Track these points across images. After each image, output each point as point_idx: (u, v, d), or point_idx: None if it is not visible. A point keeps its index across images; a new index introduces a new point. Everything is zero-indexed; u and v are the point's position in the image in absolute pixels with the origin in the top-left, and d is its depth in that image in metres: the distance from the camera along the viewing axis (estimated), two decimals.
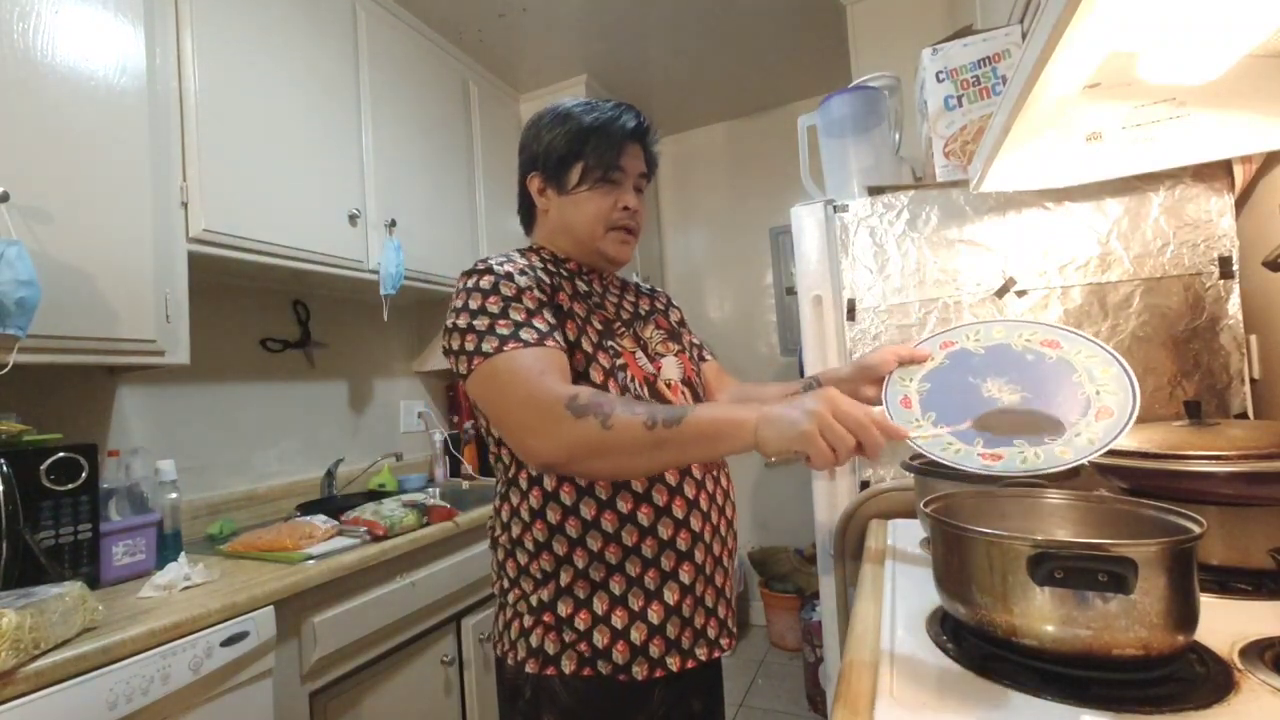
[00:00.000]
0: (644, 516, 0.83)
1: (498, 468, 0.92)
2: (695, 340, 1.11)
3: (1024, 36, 1.23)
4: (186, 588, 1.15)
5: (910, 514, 1.09)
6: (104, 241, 1.22)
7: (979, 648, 0.58)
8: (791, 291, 2.83)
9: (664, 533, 0.83)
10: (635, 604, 0.82)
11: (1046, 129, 0.83)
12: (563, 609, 0.83)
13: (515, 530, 0.87)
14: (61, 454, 1.12)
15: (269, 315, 1.90)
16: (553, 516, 0.84)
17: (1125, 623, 0.49)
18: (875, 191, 1.33)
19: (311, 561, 1.29)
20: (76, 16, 1.21)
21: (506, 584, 0.89)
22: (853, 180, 1.52)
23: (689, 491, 0.86)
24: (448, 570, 1.59)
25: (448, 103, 2.24)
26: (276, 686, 1.18)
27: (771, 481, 3.06)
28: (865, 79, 1.65)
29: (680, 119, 3.17)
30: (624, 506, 0.83)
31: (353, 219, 1.77)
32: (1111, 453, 0.77)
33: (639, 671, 0.81)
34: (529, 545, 0.86)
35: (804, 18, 2.33)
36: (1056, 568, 0.50)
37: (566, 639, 0.82)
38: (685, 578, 0.84)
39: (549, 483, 0.85)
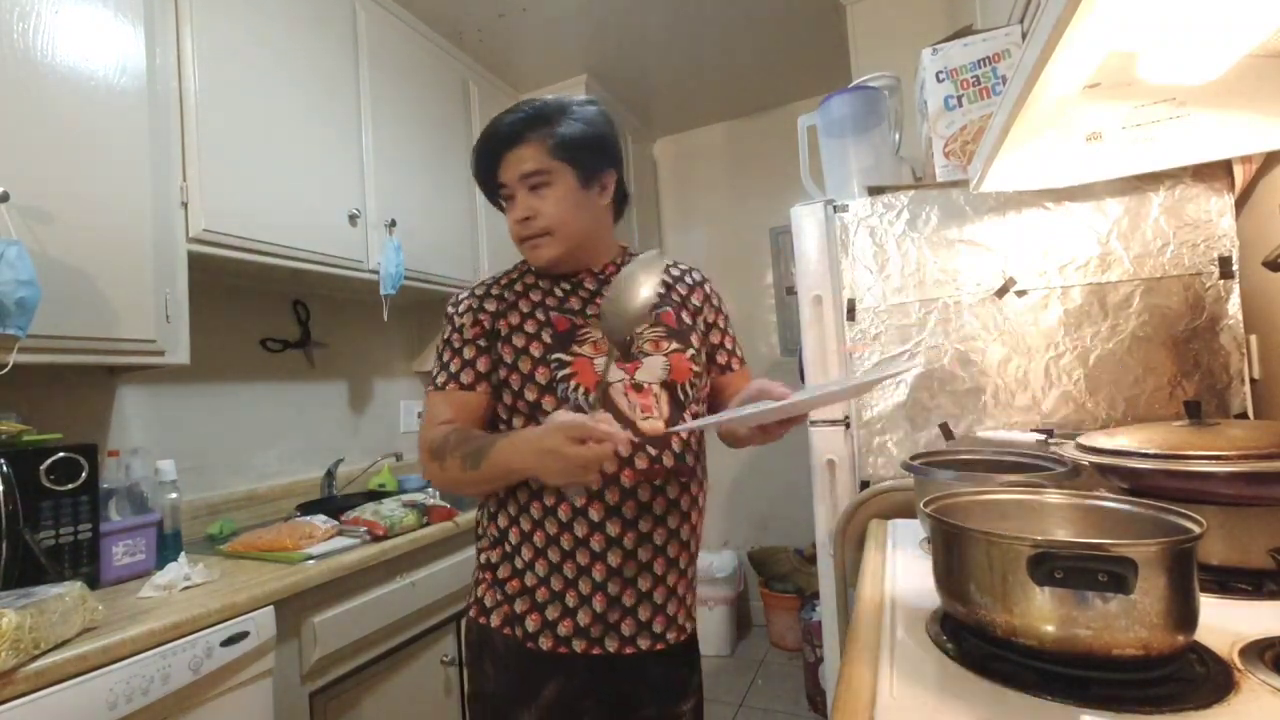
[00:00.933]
0: (562, 513, 0.88)
1: None
2: (723, 342, 1.05)
3: (1024, 36, 1.23)
4: (186, 588, 1.15)
5: (910, 514, 1.09)
6: (104, 241, 1.22)
7: (979, 648, 0.58)
8: (791, 291, 2.83)
9: (579, 531, 0.88)
10: (555, 585, 0.89)
11: (1046, 129, 0.83)
12: (501, 572, 0.93)
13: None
14: (61, 454, 1.12)
15: (269, 315, 1.90)
16: (502, 490, 0.93)
17: (1125, 623, 0.49)
18: (875, 191, 1.33)
19: (311, 561, 1.29)
20: (76, 16, 1.21)
21: (478, 535, 0.99)
22: (853, 180, 1.52)
23: (610, 498, 0.87)
24: (448, 570, 1.59)
25: (448, 103, 2.24)
26: (276, 686, 1.18)
27: (771, 482, 3.06)
28: (865, 79, 1.66)
29: (680, 119, 3.17)
30: (548, 500, 0.89)
31: (353, 219, 1.77)
32: (1112, 453, 0.77)
33: (545, 643, 0.88)
34: (490, 507, 0.96)
35: (804, 18, 2.33)
36: (1056, 568, 0.50)
37: (498, 597, 0.93)
38: (598, 575, 0.88)
39: None
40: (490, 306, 0.94)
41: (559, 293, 0.96)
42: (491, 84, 2.51)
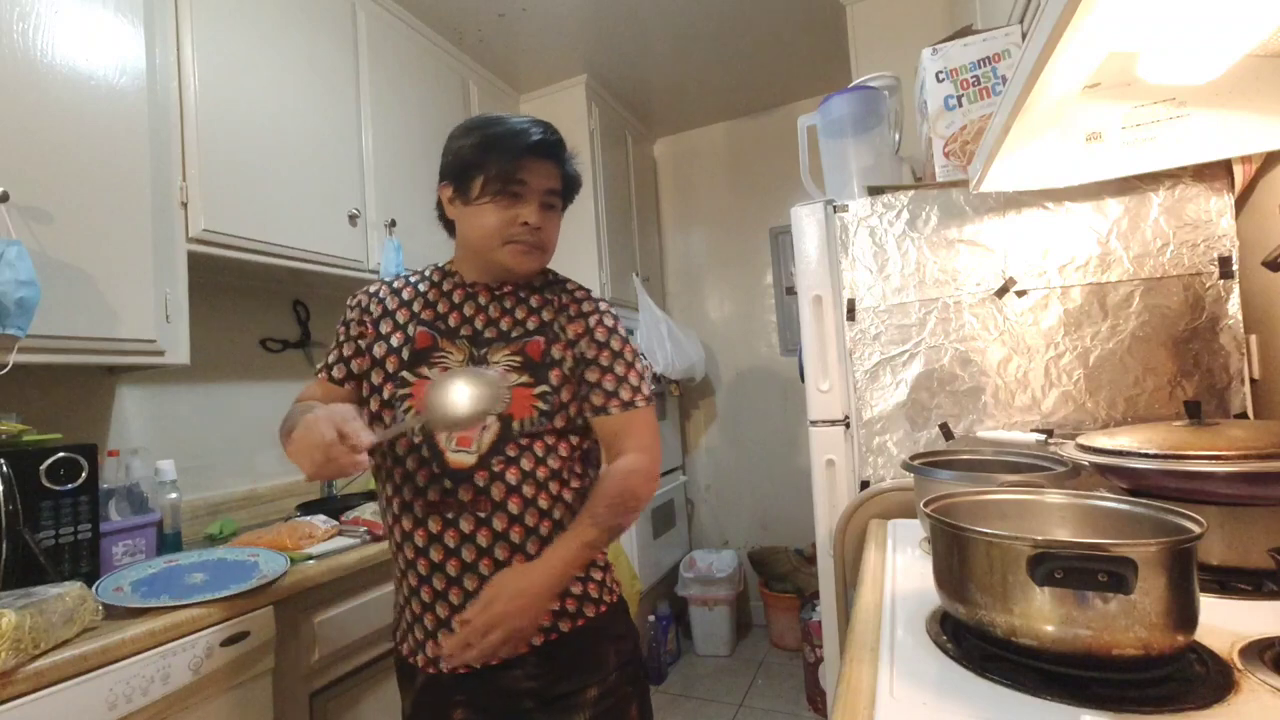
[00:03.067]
0: (398, 533, 0.94)
1: None
2: (600, 381, 0.94)
3: (1024, 36, 1.23)
4: None
5: (910, 514, 1.09)
6: (104, 241, 1.22)
7: (979, 648, 0.58)
8: (791, 291, 2.83)
9: (407, 553, 0.93)
10: (400, 599, 0.97)
11: (1046, 129, 0.83)
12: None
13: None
14: (61, 454, 1.12)
15: (269, 315, 1.90)
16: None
17: (1125, 623, 0.49)
18: (875, 191, 1.33)
19: (311, 561, 1.29)
20: (76, 16, 1.21)
21: None
22: (853, 180, 1.52)
23: (405, 524, 0.92)
24: None
25: (448, 103, 2.24)
26: (276, 686, 1.18)
27: (771, 482, 3.06)
28: (865, 79, 1.65)
29: (680, 119, 3.17)
30: (376, 517, 0.97)
31: (353, 219, 1.77)
32: (1112, 453, 0.77)
33: (405, 648, 0.95)
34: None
35: (804, 18, 2.33)
36: (1056, 568, 0.50)
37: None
38: (406, 590, 0.94)
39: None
40: (375, 310, 0.99)
41: (446, 304, 0.97)
42: (491, 84, 2.51)
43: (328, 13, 1.78)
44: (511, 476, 0.90)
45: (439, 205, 1.00)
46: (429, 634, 0.91)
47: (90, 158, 1.21)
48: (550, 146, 0.93)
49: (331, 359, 1.00)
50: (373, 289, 1.02)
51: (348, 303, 1.02)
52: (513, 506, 0.90)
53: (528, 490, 0.90)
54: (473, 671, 0.89)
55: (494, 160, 0.90)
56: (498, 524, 0.89)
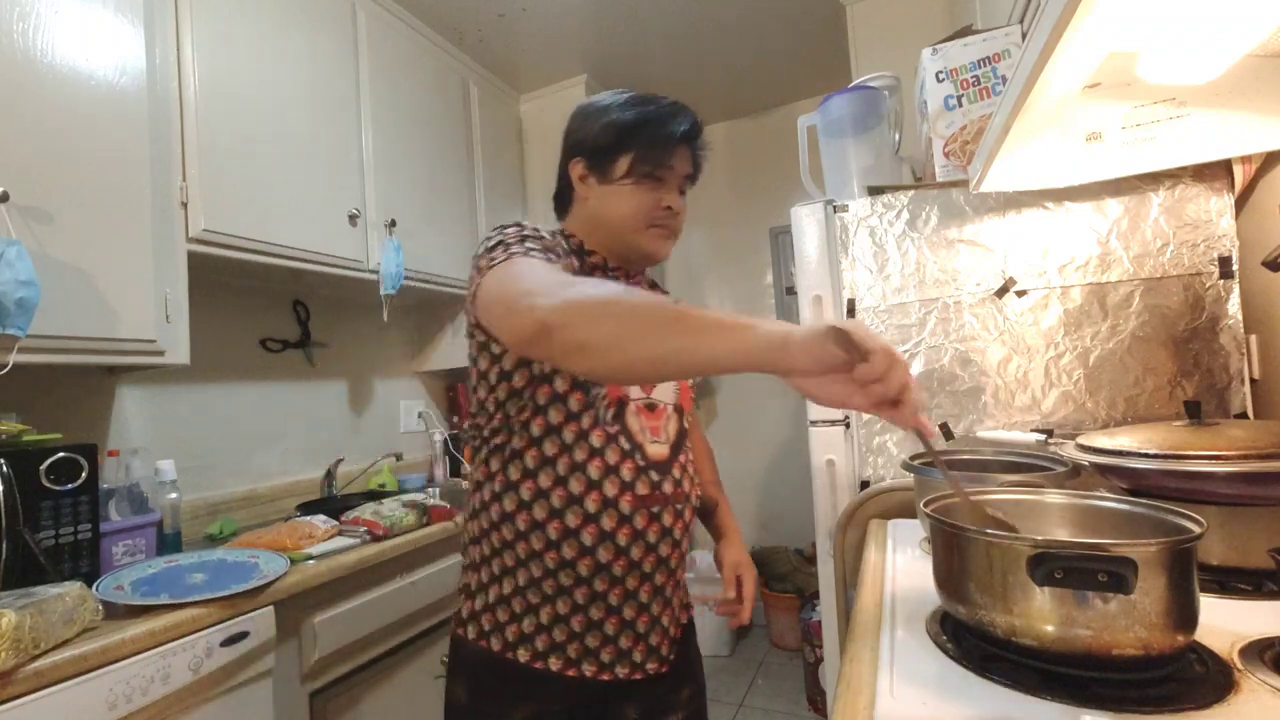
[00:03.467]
0: (552, 531, 0.83)
1: (476, 458, 0.90)
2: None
3: (1024, 36, 1.23)
4: None
5: (910, 514, 1.09)
6: (104, 241, 1.22)
7: (979, 648, 0.58)
8: (791, 291, 2.83)
9: (567, 552, 0.83)
10: (533, 599, 0.84)
11: (1046, 129, 0.83)
12: (484, 577, 0.88)
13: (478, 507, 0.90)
14: (61, 454, 1.12)
15: (269, 315, 1.90)
16: (509, 504, 0.86)
17: (1125, 623, 0.49)
18: (875, 191, 1.33)
19: (311, 561, 1.29)
20: (76, 16, 1.21)
21: (463, 544, 0.94)
22: (853, 180, 1.52)
23: (606, 523, 0.83)
24: (448, 570, 1.59)
25: (448, 103, 2.24)
26: (276, 686, 1.18)
27: (771, 482, 3.06)
28: (865, 79, 1.65)
29: None
30: (539, 514, 0.83)
31: (353, 219, 1.77)
32: (1112, 453, 0.77)
33: (522, 656, 0.84)
34: (479, 498, 0.89)
35: (804, 18, 2.32)
36: (1056, 568, 0.50)
37: (477, 605, 0.88)
38: (580, 598, 0.84)
39: (509, 477, 0.86)
40: (558, 255, 0.83)
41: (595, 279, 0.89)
42: (491, 84, 2.51)
43: (328, 12, 1.78)
44: (691, 468, 0.93)
45: (561, 179, 0.95)
46: (608, 639, 0.84)
47: (90, 158, 1.21)
48: (697, 135, 0.93)
49: (537, 251, 0.76)
50: (537, 233, 0.82)
51: (512, 229, 0.81)
52: (694, 497, 0.93)
53: (696, 480, 0.95)
54: (585, 680, 0.85)
55: (644, 142, 0.88)
56: (687, 515, 0.91)
